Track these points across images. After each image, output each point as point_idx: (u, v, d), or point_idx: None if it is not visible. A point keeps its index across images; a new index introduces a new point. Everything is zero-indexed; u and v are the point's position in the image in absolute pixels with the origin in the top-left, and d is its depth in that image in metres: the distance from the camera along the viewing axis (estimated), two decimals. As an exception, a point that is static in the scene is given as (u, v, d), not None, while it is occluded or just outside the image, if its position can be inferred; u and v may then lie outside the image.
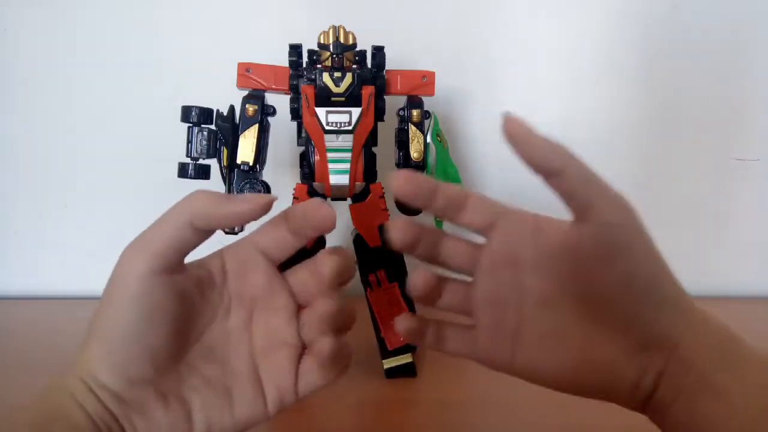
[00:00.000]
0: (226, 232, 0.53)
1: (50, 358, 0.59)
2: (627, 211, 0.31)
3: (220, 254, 0.35)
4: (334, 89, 0.49)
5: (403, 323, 0.36)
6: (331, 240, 0.57)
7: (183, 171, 0.52)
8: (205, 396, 0.33)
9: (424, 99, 0.55)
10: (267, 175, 0.55)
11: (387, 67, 0.53)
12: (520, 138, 0.30)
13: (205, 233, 0.32)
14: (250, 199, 0.32)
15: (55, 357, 0.59)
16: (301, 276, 0.36)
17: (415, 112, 0.53)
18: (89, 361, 0.31)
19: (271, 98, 0.54)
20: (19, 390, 0.53)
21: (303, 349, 0.35)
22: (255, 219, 0.32)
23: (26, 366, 0.58)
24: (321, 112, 0.50)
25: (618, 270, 0.31)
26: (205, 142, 0.51)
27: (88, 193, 0.78)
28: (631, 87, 0.78)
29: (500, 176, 0.79)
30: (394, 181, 0.32)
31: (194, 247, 0.32)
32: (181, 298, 0.32)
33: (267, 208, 0.32)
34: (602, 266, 0.31)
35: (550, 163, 0.30)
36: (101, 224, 0.78)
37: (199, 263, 0.34)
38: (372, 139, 0.53)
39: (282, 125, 0.55)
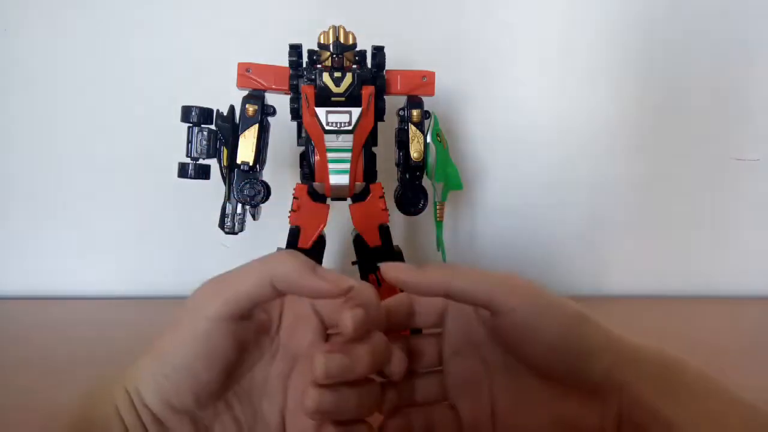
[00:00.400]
0: (226, 232, 0.54)
1: (49, 358, 0.59)
2: (524, 292, 0.33)
3: (281, 302, 0.36)
4: (334, 89, 0.49)
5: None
6: (331, 240, 0.57)
7: (183, 171, 0.52)
8: None
9: (424, 99, 0.55)
10: (267, 175, 0.55)
11: (387, 67, 0.53)
12: (400, 283, 0.33)
13: (282, 293, 0.33)
14: (332, 280, 0.32)
15: (55, 357, 0.59)
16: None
17: (415, 112, 0.53)
18: (139, 377, 0.32)
19: (271, 98, 0.54)
20: (19, 390, 0.53)
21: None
22: (331, 298, 0.32)
23: (26, 366, 0.58)
24: (321, 112, 0.50)
25: (533, 346, 0.33)
26: (205, 142, 0.51)
27: (87, 194, 0.78)
28: (631, 87, 0.79)
29: (500, 176, 0.79)
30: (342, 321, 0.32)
31: (268, 302, 0.34)
32: (241, 343, 0.33)
33: (345, 292, 0.32)
34: (520, 347, 0.34)
35: (434, 288, 0.33)
36: (100, 225, 0.78)
37: (262, 308, 0.35)
38: (372, 139, 0.53)
39: (282, 125, 0.55)
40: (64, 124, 0.76)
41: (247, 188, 0.52)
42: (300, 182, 0.53)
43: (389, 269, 0.34)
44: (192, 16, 0.75)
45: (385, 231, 0.54)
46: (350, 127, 0.50)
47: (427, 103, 0.54)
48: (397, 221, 0.56)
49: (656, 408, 0.30)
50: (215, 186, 0.53)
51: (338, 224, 0.70)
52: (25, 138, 0.77)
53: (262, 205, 0.53)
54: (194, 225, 0.78)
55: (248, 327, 0.33)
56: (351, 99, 0.50)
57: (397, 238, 0.57)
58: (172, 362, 0.31)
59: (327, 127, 0.50)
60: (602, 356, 0.32)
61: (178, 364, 0.31)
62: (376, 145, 0.54)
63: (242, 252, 0.82)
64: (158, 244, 0.80)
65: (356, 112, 0.50)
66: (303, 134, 0.52)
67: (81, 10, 0.74)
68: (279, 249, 0.37)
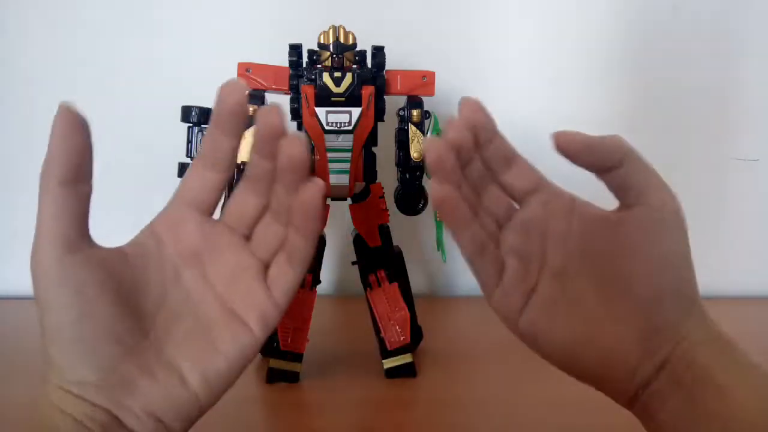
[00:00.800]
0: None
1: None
2: (674, 199, 0.32)
3: (150, 226, 0.35)
4: (334, 89, 0.49)
5: (440, 191, 0.32)
6: (331, 240, 0.57)
7: (183, 171, 0.52)
8: (189, 352, 0.32)
9: (425, 99, 0.55)
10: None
11: (387, 67, 0.53)
12: (576, 150, 0.33)
13: (79, 186, 0.31)
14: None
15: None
16: (239, 203, 0.35)
17: (415, 112, 0.53)
18: (55, 367, 0.30)
19: (271, 98, 0.54)
20: (20, 390, 0.53)
21: (264, 264, 0.34)
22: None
23: (26, 366, 0.58)
24: (321, 112, 0.50)
25: (654, 250, 0.32)
26: (205, 142, 0.51)
27: (88, 193, 0.77)
28: (630, 87, 0.79)
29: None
30: (465, 105, 0.34)
31: (84, 209, 0.32)
32: (110, 274, 0.31)
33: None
34: (638, 245, 0.32)
35: (609, 161, 0.32)
36: (100, 224, 0.78)
37: (130, 241, 0.34)
38: (372, 139, 0.53)
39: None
40: (64, 124, 0.76)
41: (247, 188, 0.52)
42: (300, 182, 0.53)
43: (561, 135, 0.33)
44: (192, 17, 0.75)
45: (385, 231, 0.54)
46: (350, 127, 0.50)
47: (427, 103, 0.54)
48: (397, 221, 0.56)
49: (714, 371, 0.30)
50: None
51: (338, 224, 0.70)
52: (25, 138, 0.77)
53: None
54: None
55: (104, 256, 0.32)
56: (351, 99, 0.50)
57: (397, 238, 0.57)
58: (62, 331, 0.29)
59: (327, 127, 0.50)
60: (688, 303, 0.32)
61: (67, 327, 0.29)
62: (376, 145, 0.54)
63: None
64: (158, 244, 0.79)
65: (356, 112, 0.50)
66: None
67: (81, 11, 0.74)
68: None
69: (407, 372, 0.55)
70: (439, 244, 0.58)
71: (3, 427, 0.47)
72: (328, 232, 0.55)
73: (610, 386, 0.33)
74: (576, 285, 0.34)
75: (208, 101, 0.52)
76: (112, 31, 0.75)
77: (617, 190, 0.33)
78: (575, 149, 0.33)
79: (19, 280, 0.78)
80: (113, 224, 0.78)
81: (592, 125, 0.81)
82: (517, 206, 0.36)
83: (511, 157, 0.35)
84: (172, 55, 0.75)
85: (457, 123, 0.33)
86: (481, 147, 0.34)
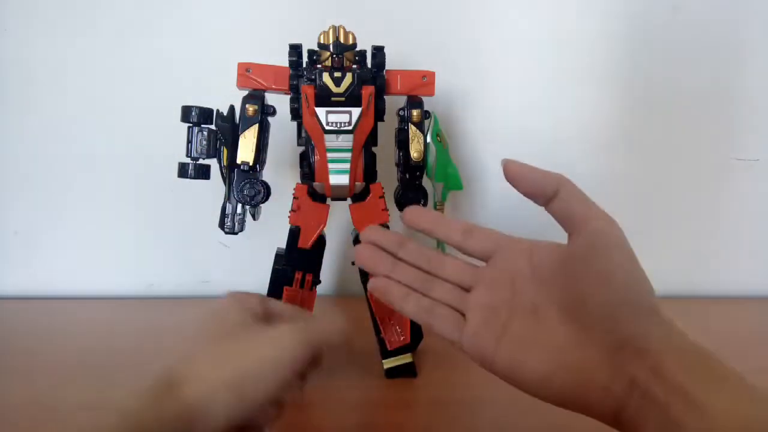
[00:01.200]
0: (226, 232, 0.54)
1: (50, 359, 0.59)
2: (609, 223, 0.35)
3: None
4: (334, 89, 0.49)
5: (378, 283, 0.40)
6: (331, 240, 0.57)
7: (183, 171, 0.52)
8: None
9: (424, 99, 0.55)
10: (267, 175, 0.55)
11: (387, 67, 0.53)
12: (518, 178, 0.37)
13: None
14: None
15: (55, 357, 0.59)
16: None
17: (415, 112, 0.53)
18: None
19: (271, 98, 0.54)
20: (20, 390, 0.53)
21: None
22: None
23: (26, 366, 0.58)
24: (321, 112, 0.50)
25: (598, 268, 0.34)
26: (205, 142, 0.52)
27: (88, 193, 0.78)
28: (630, 87, 0.79)
29: (500, 175, 0.78)
30: (405, 215, 0.41)
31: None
32: None
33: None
34: (584, 267, 0.34)
35: (546, 190, 0.36)
36: (101, 224, 0.78)
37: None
38: (372, 139, 0.53)
39: (282, 125, 0.55)
40: (64, 125, 0.76)
41: (247, 188, 0.52)
42: (300, 182, 0.53)
43: (509, 163, 0.37)
44: (192, 17, 0.75)
45: (385, 231, 0.53)
46: (350, 127, 0.50)
47: (427, 103, 0.54)
48: (397, 221, 0.56)
49: (686, 384, 0.29)
50: (215, 186, 0.53)
51: (338, 224, 0.70)
52: (26, 138, 0.77)
53: (262, 205, 0.53)
54: (194, 225, 0.78)
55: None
56: (351, 99, 0.50)
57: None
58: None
59: (327, 127, 0.50)
60: (646, 316, 0.32)
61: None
62: (376, 145, 0.54)
63: (242, 252, 0.82)
64: (158, 244, 0.80)
65: (356, 112, 0.50)
66: (303, 134, 0.52)
67: (81, 11, 0.74)
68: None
69: (407, 372, 0.55)
70: (439, 244, 0.58)
71: (3, 427, 0.47)
72: (328, 232, 0.55)
73: (590, 410, 0.34)
74: (545, 319, 0.36)
75: (208, 101, 0.52)
76: (112, 32, 0.75)
77: (560, 221, 0.36)
78: (516, 178, 0.37)
79: (19, 280, 0.79)
80: (114, 224, 0.79)
81: (592, 125, 0.82)
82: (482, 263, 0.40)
83: (466, 230, 0.40)
84: (172, 55, 0.75)
85: (369, 230, 0.42)
86: (433, 232, 0.40)
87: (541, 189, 0.36)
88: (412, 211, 0.41)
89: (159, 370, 0.33)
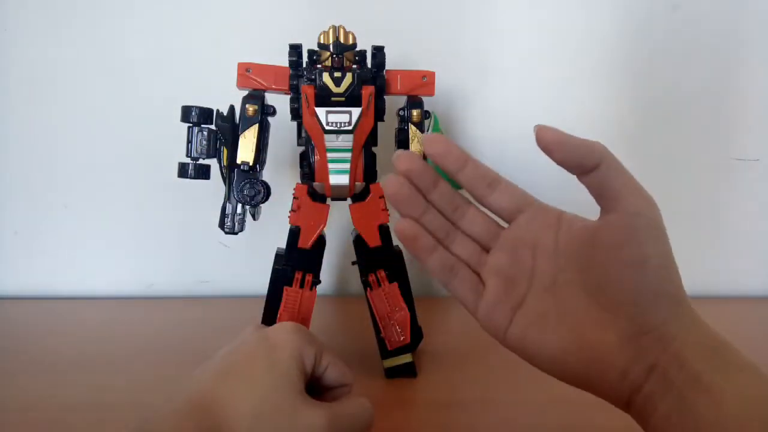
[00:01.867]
0: (226, 232, 0.54)
1: (50, 359, 0.59)
2: (649, 204, 0.33)
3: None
4: (334, 89, 0.49)
5: (407, 225, 0.36)
6: (331, 240, 0.57)
7: (183, 171, 0.52)
8: None
9: (425, 99, 0.55)
10: (267, 175, 0.55)
11: (387, 67, 0.53)
12: (555, 145, 0.33)
13: None
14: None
15: (55, 357, 0.59)
16: None
17: (415, 112, 0.53)
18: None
19: (271, 98, 0.54)
20: (20, 390, 0.53)
21: None
22: None
23: (26, 366, 0.58)
24: (321, 112, 0.50)
25: (631, 253, 0.32)
26: (205, 142, 0.52)
27: (88, 193, 0.78)
28: (630, 87, 0.79)
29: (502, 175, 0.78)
30: (426, 142, 0.36)
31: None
32: None
33: None
34: (617, 249, 0.32)
35: (586, 161, 0.33)
36: (101, 224, 0.78)
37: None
38: (372, 139, 0.53)
39: (282, 125, 0.55)
40: (63, 124, 0.76)
41: (247, 188, 0.52)
42: (300, 182, 0.53)
43: (543, 130, 0.34)
44: (193, 16, 0.75)
45: (385, 231, 0.53)
46: (350, 127, 0.50)
47: (427, 103, 0.54)
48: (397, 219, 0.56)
49: (704, 374, 0.30)
50: (216, 186, 0.53)
51: (339, 224, 0.70)
52: (25, 138, 0.77)
53: (262, 205, 0.53)
54: (194, 225, 0.78)
55: None
56: (351, 99, 0.49)
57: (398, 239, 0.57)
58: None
59: (327, 127, 0.50)
60: (672, 305, 0.32)
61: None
62: (376, 145, 0.54)
63: (242, 252, 0.82)
64: (158, 244, 0.80)
65: (356, 112, 0.50)
66: (303, 134, 0.52)
67: (81, 11, 0.74)
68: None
69: (407, 372, 0.55)
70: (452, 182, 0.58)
71: (3, 426, 0.47)
72: (329, 232, 0.55)
73: (603, 390, 0.33)
74: (565, 295, 0.35)
75: (208, 101, 0.52)
76: (112, 31, 0.75)
77: (596, 194, 0.34)
78: (553, 144, 0.33)
79: (19, 280, 0.79)
80: (114, 224, 0.79)
81: (592, 125, 0.82)
82: (505, 225, 0.38)
83: (492, 180, 0.37)
84: (172, 55, 0.75)
85: (405, 155, 0.36)
86: (457, 173, 0.36)
87: (580, 159, 0.33)
88: (438, 142, 0.36)
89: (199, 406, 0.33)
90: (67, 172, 0.77)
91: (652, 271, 0.32)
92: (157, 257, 0.80)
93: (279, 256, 0.54)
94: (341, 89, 0.49)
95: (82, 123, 0.76)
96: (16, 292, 0.79)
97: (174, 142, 0.53)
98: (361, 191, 0.53)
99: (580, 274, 0.34)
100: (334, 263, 0.78)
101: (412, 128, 0.53)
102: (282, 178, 0.63)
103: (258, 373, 0.35)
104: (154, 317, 0.73)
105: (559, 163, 0.34)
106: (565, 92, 0.78)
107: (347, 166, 0.51)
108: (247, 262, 0.77)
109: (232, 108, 0.53)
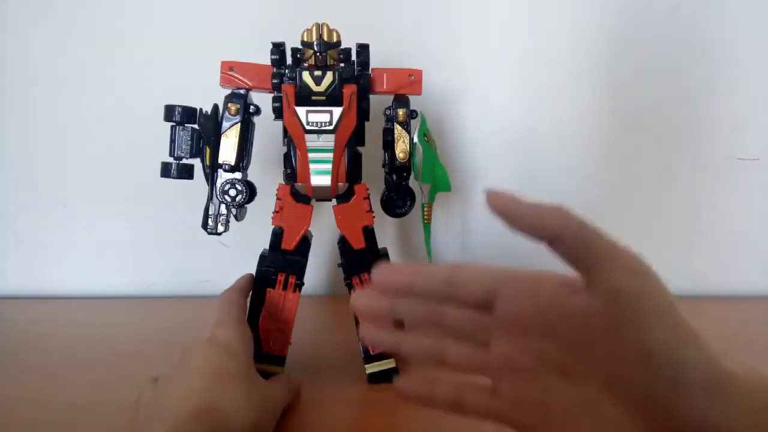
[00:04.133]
0: (209, 233, 0.53)
1: (50, 358, 0.59)
2: (639, 275, 0.27)
3: None
4: (315, 88, 0.48)
5: (404, 384, 0.34)
6: (319, 240, 0.56)
7: (166, 170, 0.52)
8: None
9: (413, 98, 0.53)
10: (254, 174, 0.54)
11: (375, 65, 0.52)
12: (507, 212, 0.28)
13: None
14: None
15: (55, 357, 0.60)
16: None
17: (400, 112, 0.52)
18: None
19: (258, 97, 0.53)
20: (20, 390, 0.53)
21: None
22: None
23: (26, 366, 0.58)
24: (301, 111, 0.49)
25: (630, 346, 0.27)
26: (188, 142, 0.51)
27: (88, 193, 0.78)
28: (629, 86, 0.77)
29: (492, 176, 0.77)
30: (352, 303, 0.34)
31: None
32: None
33: None
34: (613, 340, 0.27)
35: (543, 232, 0.28)
36: (101, 224, 0.79)
37: None
38: (357, 138, 0.52)
39: (271, 125, 0.54)
40: (63, 124, 0.77)
41: (230, 189, 0.51)
42: (283, 183, 0.52)
43: (494, 196, 0.28)
44: (192, 17, 0.75)
45: (369, 233, 0.52)
46: (331, 127, 0.49)
47: (419, 102, 0.53)
48: (387, 222, 0.55)
49: None
50: (199, 186, 0.53)
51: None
52: (25, 138, 0.77)
53: (247, 205, 0.53)
54: (194, 225, 0.77)
55: None
56: (332, 98, 0.49)
57: (387, 240, 0.56)
58: None
59: (307, 127, 0.49)
60: (707, 392, 0.26)
61: None
62: (362, 144, 0.53)
63: (242, 252, 0.81)
64: (158, 244, 0.80)
65: (337, 111, 0.49)
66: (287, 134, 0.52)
67: (80, 11, 0.74)
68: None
69: (390, 377, 0.54)
70: (426, 247, 0.57)
71: (3, 426, 0.47)
72: (316, 232, 0.54)
73: None
74: (584, 382, 0.29)
75: (208, 101, 0.51)
76: (111, 32, 0.75)
77: (568, 263, 0.29)
78: (503, 214, 0.28)
79: (19, 280, 0.80)
80: (113, 224, 0.79)
81: (591, 125, 0.80)
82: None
83: (447, 275, 0.31)
84: (172, 55, 0.75)
85: (359, 297, 0.34)
86: (407, 295, 0.32)
87: (535, 230, 0.28)
88: (362, 297, 0.33)
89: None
90: (66, 172, 0.78)
91: (660, 364, 0.26)
92: (157, 257, 0.80)
93: (263, 258, 0.53)
94: (322, 88, 0.48)
95: (81, 123, 0.76)
96: (16, 292, 0.80)
97: (161, 141, 0.53)
98: (345, 192, 0.52)
99: (584, 357, 0.29)
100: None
101: (398, 128, 0.52)
102: (270, 178, 0.62)
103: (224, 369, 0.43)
104: (154, 317, 0.73)
105: (514, 232, 0.29)
106: (559, 92, 0.76)
107: (329, 166, 0.50)
108: (247, 262, 0.76)
109: (216, 107, 0.53)
